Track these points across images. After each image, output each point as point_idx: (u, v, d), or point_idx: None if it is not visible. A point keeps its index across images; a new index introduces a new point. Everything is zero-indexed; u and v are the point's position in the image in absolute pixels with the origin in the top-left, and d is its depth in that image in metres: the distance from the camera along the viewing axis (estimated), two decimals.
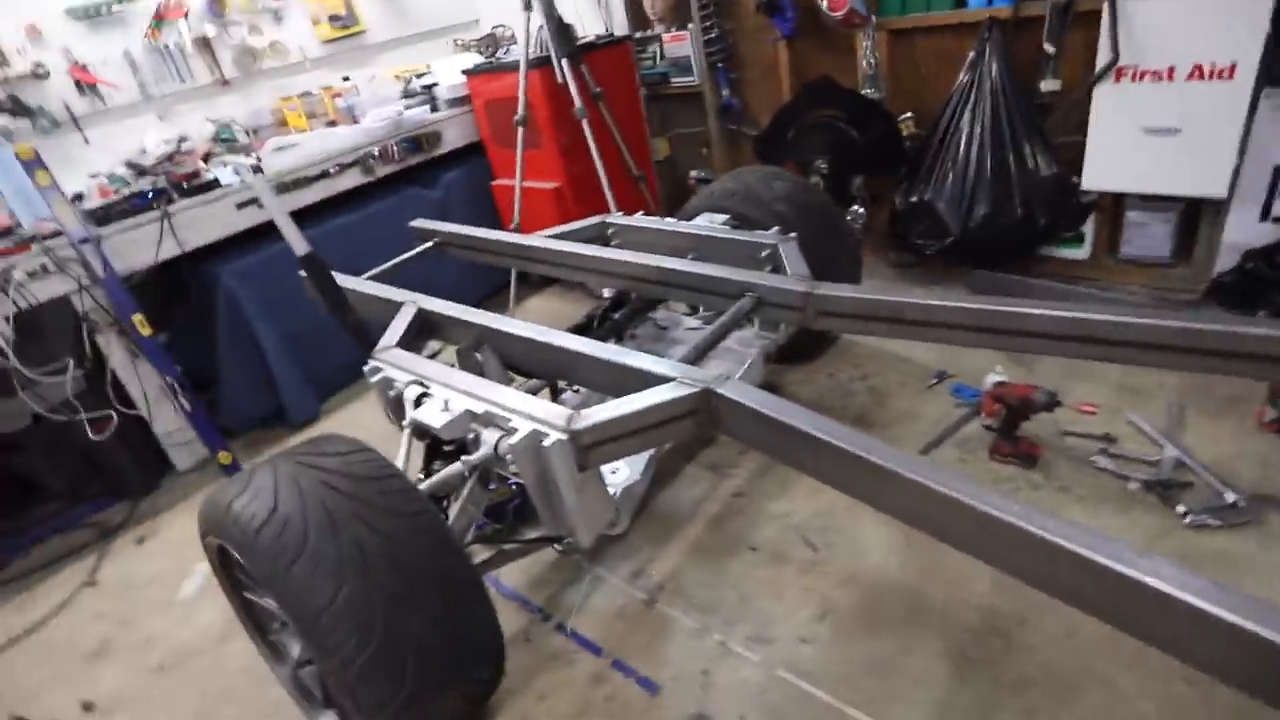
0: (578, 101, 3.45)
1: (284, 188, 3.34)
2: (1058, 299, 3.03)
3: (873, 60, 3.52)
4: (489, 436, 1.75)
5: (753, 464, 2.62)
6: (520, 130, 3.57)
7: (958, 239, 3.14)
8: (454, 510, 1.93)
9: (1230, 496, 2.08)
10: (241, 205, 3.16)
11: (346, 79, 4.21)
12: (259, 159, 3.32)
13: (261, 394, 3.33)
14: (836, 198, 3.51)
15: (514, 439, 1.66)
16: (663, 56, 4.31)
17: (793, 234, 2.37)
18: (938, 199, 3.19)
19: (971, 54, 3.18)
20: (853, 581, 2.09)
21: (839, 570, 2.13)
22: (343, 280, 2.44)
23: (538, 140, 3.72)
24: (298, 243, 2.06)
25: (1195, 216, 3.00)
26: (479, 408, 1.81)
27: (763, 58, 3.99)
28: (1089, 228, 3.22)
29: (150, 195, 3.05)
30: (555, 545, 2.13)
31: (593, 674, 1.97)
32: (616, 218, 2.80)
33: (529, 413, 1.72)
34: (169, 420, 3.08)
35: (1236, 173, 2.74)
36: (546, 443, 1.65)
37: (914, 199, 3.29)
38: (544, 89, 3.62)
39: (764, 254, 2.33)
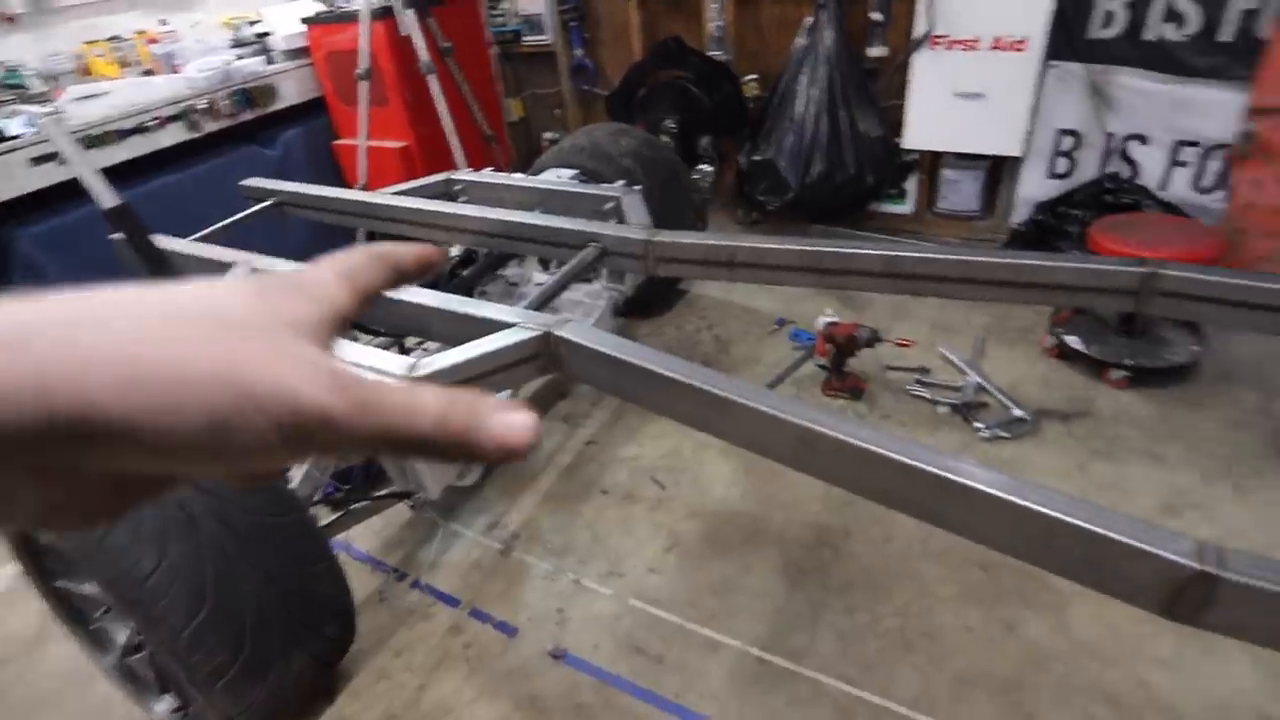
0: (424, 55, 3.34)
1: (91, 142, 3.01)
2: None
3: (720, 23, 3.64)
4: None
5: (604, 414, 2.70)
6: (364, 85, 3.41)
7: (797, 195, 3.34)
8: (298, 476, 1.88)
9: (1017, 412, 2.38)
10: (38, 160, 2.83)
11: (164, 23, 3.84)
12: (57, 109, 2.97)
13: None
14: (685, 157, 3.62)
15: None
16: (516, 13, 4.23)
17: (637, 186, 2.43)
18: (778, 157, 3.37)
19: (809, 20, 3.35)
20: (698, 514, 2.22)
21: (685, 505, 2.26)
22: (164, 241, 2.27)
23: (383, 96, 3.57)
24: (104, 194, 1.90)
25: (998, 174, 3.35)
26: None
27: (615, 18, 4.01)
28: (911, 185, 3.52)
29: None
30: (406, 501, 2.11)
31: (450, 625, 1.99)
32: (463, 174, 2.76)
33: (368, 364, 1.69)
34: None
35: (1029, 135, 3.08)
36: None
37: (757, 157, 3.45)
38: (389, 41, 3.47)
39: (608, 206, 2.39)
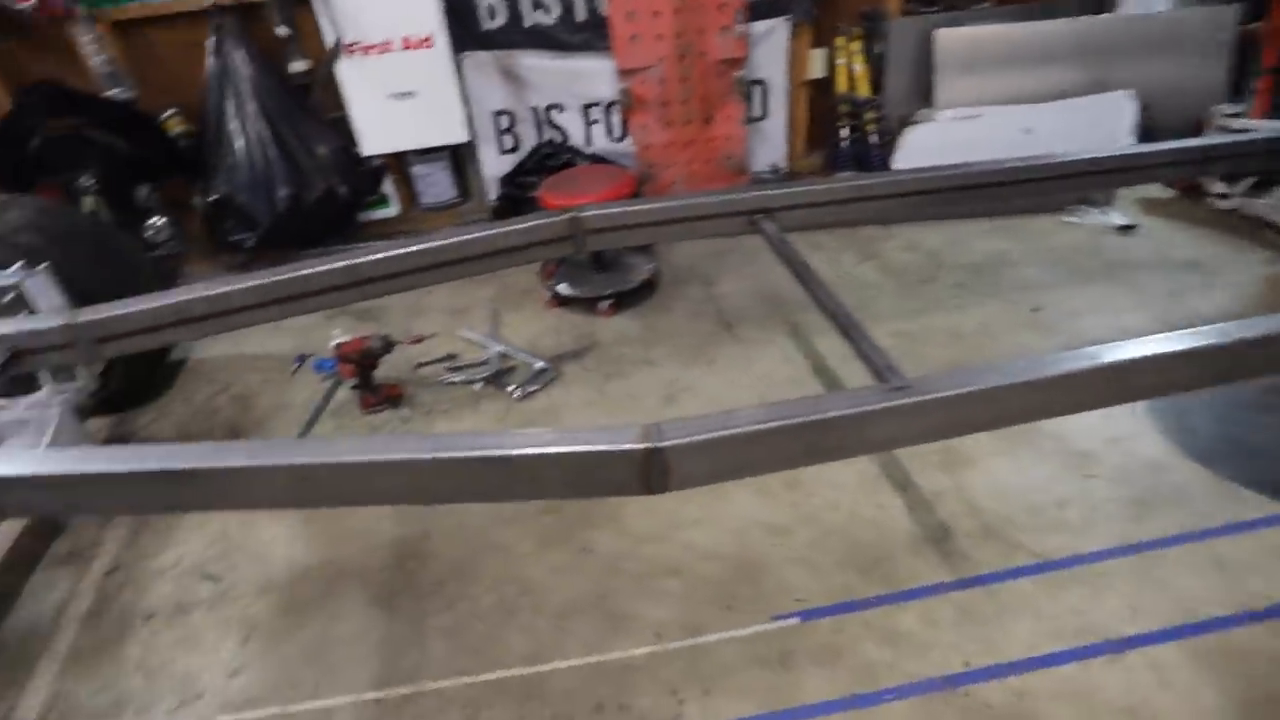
0: None
1: None
2: None
3: (105, 58, 3.13)
4: None
5: (121, 531, 2.25)
6: None
7: (270, 225, 3.13)
8: None
9: (538, 365, 2.66)
10: None
11: None
12: None
13: None
14: (125, 213, 3.10)
15: None
16: None
17: (41, 264, 2.01)
18: (236, 192, 3.10)
19: (212, 40, 3.10)
20: (267, 589, 2.01)
21: (250, 585, 2.02)
22: None
23: None
24: None
25: (461, 160, 3.61)
26: None
27: None
28: (389, 188, 3.59)
29: None
30: None
31: None
32: None
33: None
34: None
35: (469, 120, 3.36)
36: None
37: (213, 197, 3.13)
38: None
39: (7, 299, 1.93)
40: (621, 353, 2.77)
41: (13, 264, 2.12)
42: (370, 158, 3.38)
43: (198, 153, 3.14)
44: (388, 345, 2.48)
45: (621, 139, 3.62)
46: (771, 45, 3.53)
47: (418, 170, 3.54)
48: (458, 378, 2.66)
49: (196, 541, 2.17)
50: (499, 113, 3.44)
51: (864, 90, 3.65)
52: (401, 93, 3.18)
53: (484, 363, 2.70)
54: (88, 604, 2.04)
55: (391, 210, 3.62)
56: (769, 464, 1.37)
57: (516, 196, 3.40)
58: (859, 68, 3.63)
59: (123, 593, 2.06)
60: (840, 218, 2.35)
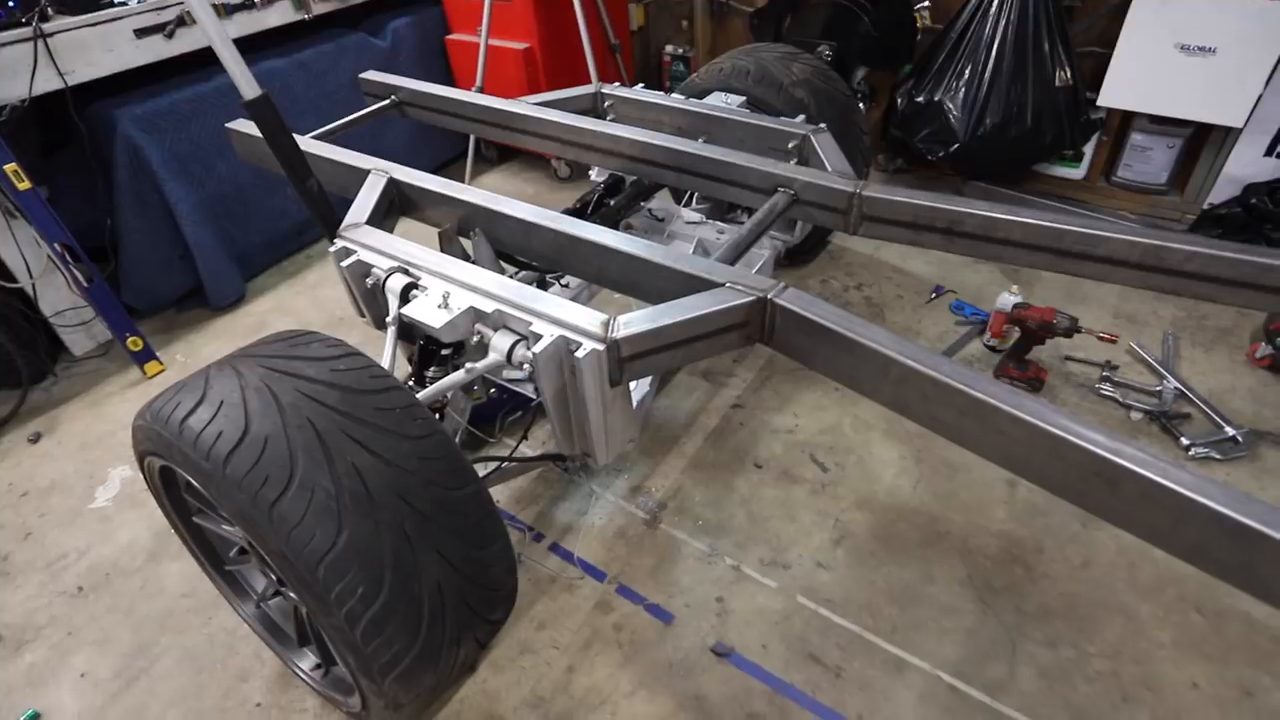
0: None
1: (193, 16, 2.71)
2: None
3: None
4: (500, 342, 1.49)
5: (748, 374, 2.46)
6: None
7: (963, 146, 2.96)
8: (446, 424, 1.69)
9: (1230, 430, 2.10)
10: (142, 32, 2.54)
11: None
12: None
13: (174, 269, 2.83)
14: None
15: (538, 347, 1.40)
16: None
17: (823, 124, 2.11)
18: (949, 101, 2.97)
19: None
20: (867, 504, 2.00)
21: (851, 491, 2.04)
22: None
23: None
24: (246, 82, 1.62)
25: (1198, 145, 2.93)
26: (486, 305, 1.52)
27: None
28: (1089, 147, 3.12)
29: (13, 4, 2.39)
30: (559, 463, 1.91)
31: (598, 601, 1.82)
32: (613, 89, 2.43)
33: (556, 317, 1.45)
34: (59, 296, 2.56)
35: (1258, 103, 2.65)
36: (580, 353, 1.39)
37: (921, 99, 3.06)
38: None
39: (791, 144, 2.07)
40: None
41: (785, 114, 2.30)
42: (1096, 108, 2.93)
43: (929, 52, 3.06)
44: (1073, 328, 2.16)
45: None
46: None
47: (1137, 139, 2.98)
48: (1113, 393, 2.25)
49: (811, 422, 2.26)
50: None
51: None
52: (1196, 46, 2.60)
53: (1153, 393, 2.23)
54: (714, 423, 2.29)
55: (1077, 171, 3.16)
56: None
57: (1264, 213, 2.65)
58: None
59: (740, 431, 2.26)
60: None
